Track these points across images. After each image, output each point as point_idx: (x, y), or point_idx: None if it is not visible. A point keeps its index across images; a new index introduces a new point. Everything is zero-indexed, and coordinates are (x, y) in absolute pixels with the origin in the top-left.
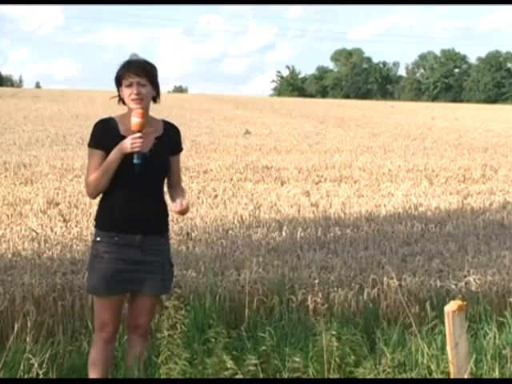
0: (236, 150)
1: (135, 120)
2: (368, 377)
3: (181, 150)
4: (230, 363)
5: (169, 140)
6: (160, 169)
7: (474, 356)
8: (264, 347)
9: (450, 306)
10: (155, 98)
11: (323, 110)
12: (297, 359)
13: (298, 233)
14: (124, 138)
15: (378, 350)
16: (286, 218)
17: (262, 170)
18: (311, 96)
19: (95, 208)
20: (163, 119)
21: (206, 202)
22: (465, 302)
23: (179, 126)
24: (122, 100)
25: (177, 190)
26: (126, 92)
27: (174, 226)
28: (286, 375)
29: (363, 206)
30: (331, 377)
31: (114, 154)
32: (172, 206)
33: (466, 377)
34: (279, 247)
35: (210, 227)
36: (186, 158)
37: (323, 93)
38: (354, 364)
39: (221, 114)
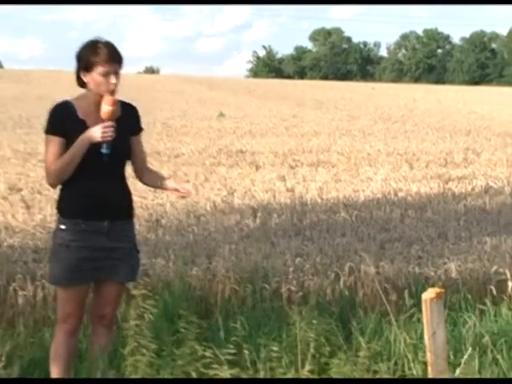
0: (209, 133)
1: (107, 108)
2: (344, 368)
3: (141, 129)
4: (205, 352)
5: (128, 121)
6: (123, 152)
7: (453, 345)
8: (236, 337)
9: (428, 294)
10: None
11: (301, 92)
12: (274, 348)
13: (273, 219)
14: (83, 122)
15: (354, 340)
16: (261, 203)
17: (236, 155)
18: (289, 77)
19: None
20: (120, 99)
21: None
22: (443, 290)
23: (150, 109)
24: (82, 83)
25: (155, 174)
26: (99, 79)
27: (143, 213)
28: (260, 366)
29: (341, 191)
30: (305, 367)
31: (82, 143)
32: (168, 186)
33: (443, 366)
34: (253, 234)
35: (181, 213)
36: (156, 142)
37: (301, 74)
38: (329, 354)
39: (194, 96)
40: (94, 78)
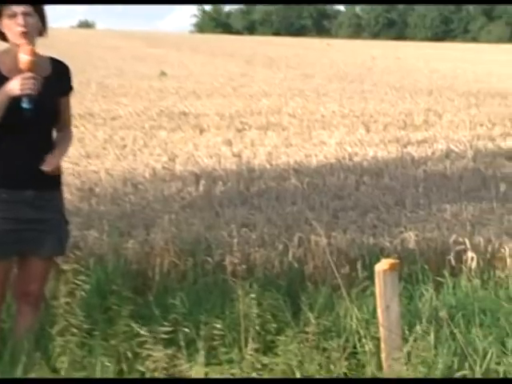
0: (149, 93)
1: (25, 58)
2: (291, 346)
3: (71, 89)
4: (139, 329)
5: (58, 80)
6: (50, 113)
7: (408, 319)
8: (175, 315)
9: (381, 265)
10: (42, 31)
11: (250, 49)
12: (218, 325)
13: (218, 187)
14: (7, 79)
15: (303, 316)
16: (205, 170)
17: (178, 117)
18: (237, 33)
19: None
20: (50, 56)
21: (113, 152)
22: (397, 261)
23: (84, 67)
24: (3, 36)
25: (59, 139)
26: (9, 23)
27: (74, 180)
28: (200, 345)
29: (292, 156)
30: (249, 345)
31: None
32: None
33: (397, 342)
34: (195, 203)
35: (117, 181)
36: (91, 103)
37: (251, 29)
38: (276, 331)
39: (133, 53)
40: (4, 22)
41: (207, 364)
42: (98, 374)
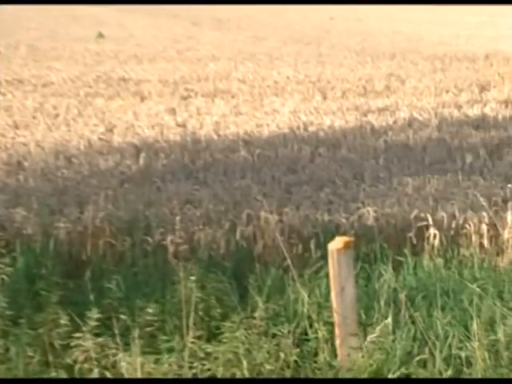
0: (85, 57)
1: None
2: (237, 332)
3: None
4: (64, 319)
5: None
6: None
7: (365, 302)
8: (109, 300)
9: (335, 244)
10: None
11: (197, 9)
12: (150, 310)
13: (160, 160)
14: None
15: (250, 300)
16: (146, 141)
17: (117, 83)
18: None
19: None
20: None
21: (44, 122)
22: (352, 239)
23: (12, 28)
24: None
25: None
26: None
27: (0, 154)
28: (136, 333)
29: (241, 126)
30: (191, 332)
31: None
32: None
33: (353, 327)
34: (135, 178)
35: (49, 154)
36: (20, 68)
37: None
38: (221, 317)
39: (66, 13)
40: None
41: (144, 353)
42: (21, 367)
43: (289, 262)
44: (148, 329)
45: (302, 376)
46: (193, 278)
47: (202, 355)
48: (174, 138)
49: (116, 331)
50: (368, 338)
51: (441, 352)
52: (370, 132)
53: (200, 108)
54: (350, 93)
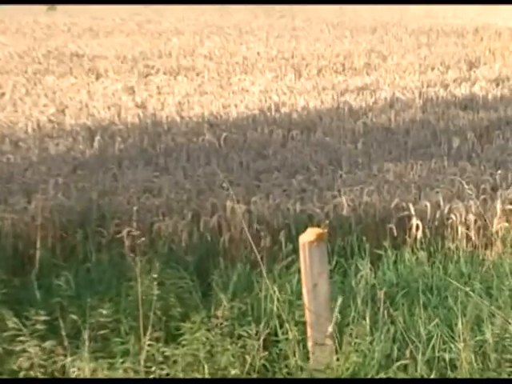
0: (35, 31)
1: None
2: (198, 333)
3: None
4: (13, 320)
5: None
6: None
7: (340, 300)
8: (58, 299)
9: (307, 236)
10: None
11: None
12: (103, 310)
13: (116, 144)
14: None
15: (214, 298)
16: (101, 124)
17: (69, 59)
18: None
19: None
20: None
21: None
22: (326, 230)
23: None
24: None
25: None
26: None
27: None
28: (86, 335)
29: (207, 106)
30: (148, 334)
31: None
32: None
33: (327, 327)
34: (88, 164)
35: None
36: None
37: None
38: (182, 317)
39: None
40: None
41: (96, 358)
42: None
43: (257, 256)
44: (101, 331)
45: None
46: (151, 274)
47: (160, 359)
48: (133, 120)
49: (64, 333)
50: (344, 340)
51: (423, 354)
52: (347, 113)
53: (161, 87)
54: (327, 70)
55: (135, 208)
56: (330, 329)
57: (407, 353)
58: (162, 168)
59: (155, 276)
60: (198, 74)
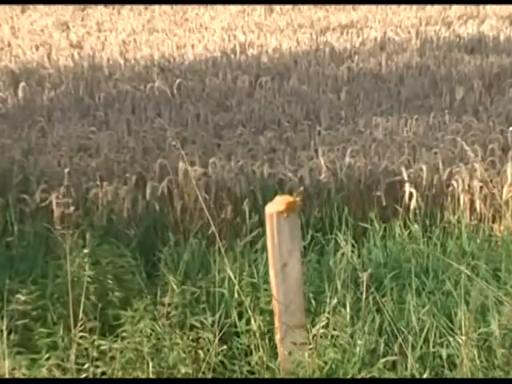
0: None
1: None
2: (140, 323)
3: None
4: None
5: None
6: None
7: (317, 284)
8: None
9: (275, 205)
10: None
11: None
12: (25, 297)
13: (46, 92)
14: None
15: (161, 280)
16: (27, 67)
17: None
18: None
19: None
20: None
21: None
22: (299, 198)
23: None
24: None
25: None
26: None
27: None
28: (4, 325)
29: (157, 47)
30: (80, 324)
31: None
32: None
33: (299, 317)
34: (11, 116)
35: None
36: None
37: None
38: (121, 304)
39: None
40: None
41: (15, 353)
42: None
43: (214, 229)
44: (22, 320)
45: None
46: (84, 250)
47: (94, 354)
48: (66, 63)
49: None
50: (318, 332)
51: (415, 349)
52: (328, 57)
53: (101, 23)
54: (304, 3)
55: (67, 170)
56: (303, 318)
57: (396, 348)
58: (101, 121)
59: (87, 252)
60: (146, 8)
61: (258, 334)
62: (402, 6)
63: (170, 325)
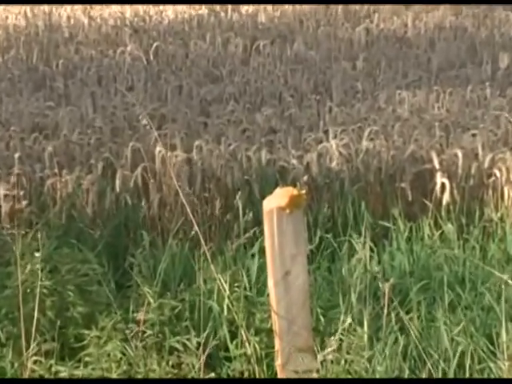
0: None
1: None
2: (108, 345)
3: None
4: None
5: None
6: None
7: (326, 297)
8: None
9: (276, 200)
10: None
11: None
12: None
13: None
14: None
15: (134, 292)
16: None
17: None
18: None
19: None
20: None
21: None
22: (304, 191)
23: None
24: None
25: None
26: None
27: None
28: None
29: (128, 3)
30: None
31: None
32: None
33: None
34: None
35: None
36: None
37: None
38: (84, 321)
39: None
40: None
41: None
42: None
43: (197, 230)
44: None
45: None
46: (38, 254)
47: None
48: (18, 23)
49: None
50: (328, 356)
51: (446, 375)
52: (342, 15)
53: None
54: None
55: (17, 155)
56: (309, 339)
57: (424, 375)
58: (60, 95)
59: (43, 257)
60: None
61: (253, 359)
62: None
63: (145, 347)
